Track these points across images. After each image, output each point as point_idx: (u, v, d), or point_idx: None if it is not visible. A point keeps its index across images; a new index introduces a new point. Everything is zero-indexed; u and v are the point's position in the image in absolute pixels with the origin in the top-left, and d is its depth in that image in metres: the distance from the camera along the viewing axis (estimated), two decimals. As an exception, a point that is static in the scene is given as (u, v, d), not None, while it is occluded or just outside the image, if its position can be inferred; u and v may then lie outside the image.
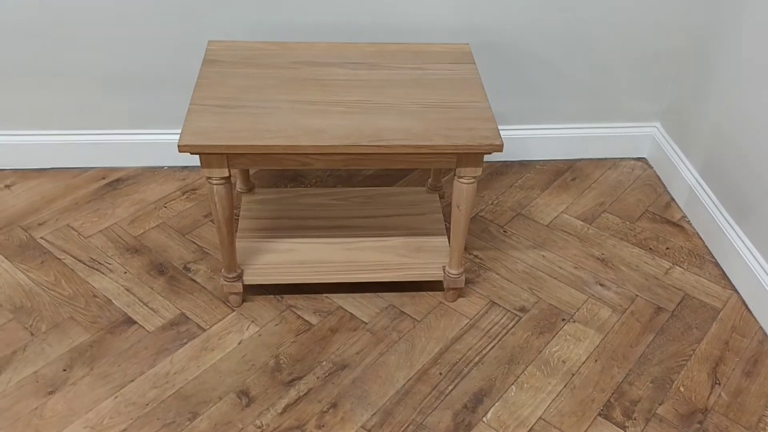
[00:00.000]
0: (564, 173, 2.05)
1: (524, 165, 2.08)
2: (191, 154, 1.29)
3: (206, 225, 1.80)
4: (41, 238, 1.73)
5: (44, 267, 1.65)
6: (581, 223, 1.87)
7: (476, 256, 1.74)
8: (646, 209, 1.92)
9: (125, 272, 1.65)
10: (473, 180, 1.39)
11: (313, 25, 1.75)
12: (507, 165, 2.07)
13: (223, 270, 1.51)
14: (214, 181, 1.35)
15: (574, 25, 1.82)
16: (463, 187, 1.40)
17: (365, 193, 1.82)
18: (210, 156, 1.31)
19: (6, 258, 1.67)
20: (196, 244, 1.74)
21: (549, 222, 1.87)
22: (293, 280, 1.56)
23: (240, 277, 1.53)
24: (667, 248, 1.79)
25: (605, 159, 2.11)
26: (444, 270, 1.57)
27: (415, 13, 1.76)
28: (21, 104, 1.84)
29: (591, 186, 2.00)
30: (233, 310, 1.56)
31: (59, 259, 1.67)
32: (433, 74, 1.52)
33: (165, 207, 1.85)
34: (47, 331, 1.49)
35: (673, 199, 1.96)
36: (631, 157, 2.12)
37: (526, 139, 2.05)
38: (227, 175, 1.34)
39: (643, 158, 2.12)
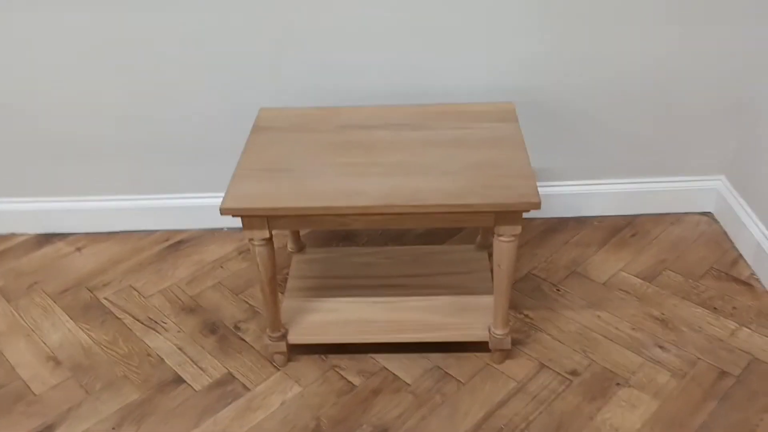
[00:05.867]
0: (623, 229, 1.98)
1: (580, 221, 2.02)
2: (233, 216, 1.34)
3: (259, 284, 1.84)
4: (105, 298, 1.82)
5: (105, 326, 1.72)
6: (640, 281, 1.79)
7: (527, 316, 1.70)
8: (711, 266, 1.82)
9: (179, 331, 1.70)
10: (513, 238, 1.37)
11: (362, 89, 1.80)
12: (562, 221, 2.03)
13: (267, 329, 1.54)
14: (256, 243, 1.39)
15: (630, 79, 1.79)
16: (503, 246, 1.38)
17: (413, 251, 1.82)
18: (251, 218, 1.35)
19: (71, 318, 1.76)
20: (248, 303, 1.78)
21: (605, 280, 1.80)
22: (336, 339, 1.56)
23: (284, 336, 1.55)
24: (734, 308, 1.68)
25: (667, 214, 2.03)
26: (489, 330, 1.53)
27: (463, 77, 1.78)
28: (94, 172, 1.97)
29: (651, 242, 1.93)
30: (278, 370, 1.57)
31: (119, 318, 1.75)
32: (475, 134, 1.52)
33: (222, 267, 1.91)
34: (101, 389, 1.55)
35: (740, 256, 1.85)
36: (694, 211, 2.03)
37: (583, 194, 2.01)
38: (268, 236, 1.38)
39: (709, 213, 2.03)
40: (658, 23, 1.71)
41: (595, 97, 1.83)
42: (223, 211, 1.33)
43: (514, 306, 1.72)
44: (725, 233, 1.94)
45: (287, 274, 1.78)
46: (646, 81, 1.80)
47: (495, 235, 1.37)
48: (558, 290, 1.78)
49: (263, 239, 1.38)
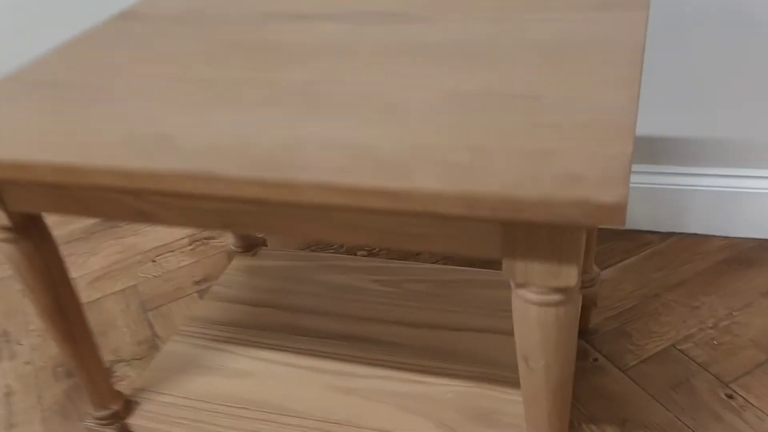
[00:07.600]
0: None
1: (798, 251, 1.03)
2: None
3: (190, 296, 1.12)
4: (-26, 287, 1.21)
5: (-58, 334, 1.11)
6: None
7: (641, 447, 0.79)
8: None
9: (27, 363, 1.03)
10: (558, 296, 0.49)
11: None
12: (764, 246, 1.05)
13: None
14: (-3, 234, 0.65)
15: None
16: (530, 313, 0.50)
17: (435, 275, 0.98)
18: (-33, 181, 0.62)
19: None
20: (152, 328, 1.07)
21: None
22: (209, 444, 0.78)
23: (118, 418, 0.80)
24: None
25: None
26: (521, 490, 0.67)
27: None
28: None
29: None
30: (121, 473, 0.84)
31: (-31, 324, 1.12)
32: (546, 30, 0.65)
33: (154, 261, 1.22)
34: None
35: None
36: None
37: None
38: (8, 224, 0.63)
39: None
40: None
41: None
42: None
43: (625, 422, 0.82)
44: None
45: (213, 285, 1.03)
46: None
47: (513, 286, 0.50)
48: (731, 399, 0.84)
49: (2, 228, 0.64)
